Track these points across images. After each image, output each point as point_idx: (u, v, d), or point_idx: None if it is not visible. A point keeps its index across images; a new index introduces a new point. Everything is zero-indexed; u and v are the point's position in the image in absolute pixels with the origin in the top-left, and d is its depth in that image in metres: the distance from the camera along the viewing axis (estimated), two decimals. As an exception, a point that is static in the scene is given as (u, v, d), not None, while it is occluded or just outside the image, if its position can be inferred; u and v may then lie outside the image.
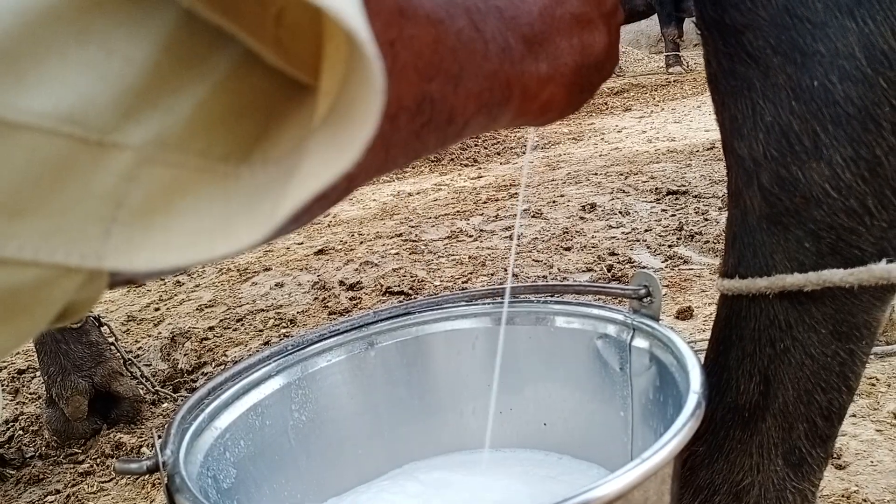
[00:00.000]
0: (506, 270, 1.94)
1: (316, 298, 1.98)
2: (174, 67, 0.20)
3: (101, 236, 0.20)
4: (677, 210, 2.32)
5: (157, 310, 2.11)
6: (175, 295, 2.22)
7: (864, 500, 0.90)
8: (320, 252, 2.42)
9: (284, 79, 0.23)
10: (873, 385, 1.16)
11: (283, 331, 1.79)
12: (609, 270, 1.85)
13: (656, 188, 2.60)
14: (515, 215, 2.51)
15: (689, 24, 6.86)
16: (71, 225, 0.19)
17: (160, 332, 1.89)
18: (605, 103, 5.58)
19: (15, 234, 0.19)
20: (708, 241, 1.97)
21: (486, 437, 0.69)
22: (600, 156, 3.50)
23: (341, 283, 2.05)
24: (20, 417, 1.53)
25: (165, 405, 1.50)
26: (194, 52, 0.21)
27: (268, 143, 0.23)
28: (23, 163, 0.18)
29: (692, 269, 1.81)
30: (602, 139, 4.04)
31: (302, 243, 2.62)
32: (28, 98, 0.18)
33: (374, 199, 3.23)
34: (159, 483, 1.22)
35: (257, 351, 0.67)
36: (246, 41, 0.22)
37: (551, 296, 0.75)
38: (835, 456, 0.99)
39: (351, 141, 0.20)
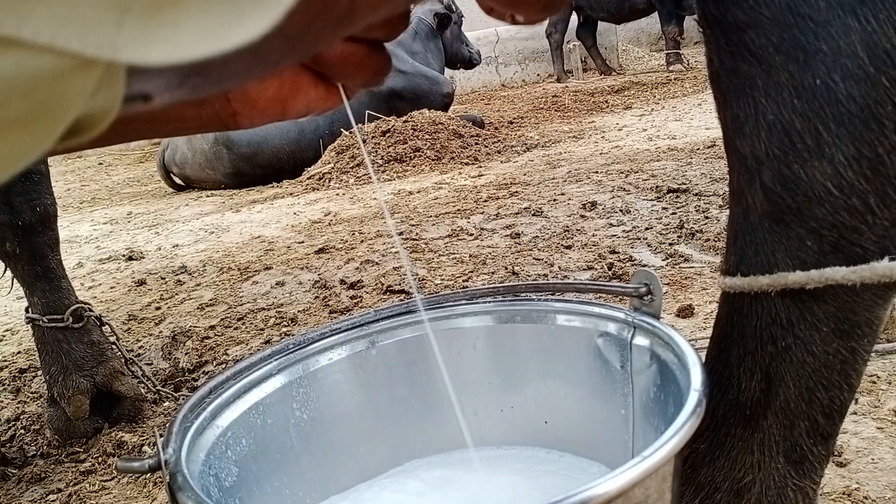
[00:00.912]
0: (506, 269, 1.95)
1: (317, 297, 1.98)
2: None
3: (114, 26, 0.19)
4: (678, 208, 2.32)
5: (158, 309, 2.11)
6: (176, 294, 2.22)
7: (866, 498, 0.90)
8: (321, 251, 2.42)
9: None
10: (874, 383, 1.16)
11: (284, 329, 1.79)
12: (610, 269, 1.85)
13: (657, 186, 2.60)
14: (517, 214, 2.51)
15: (689, 22, 6.86)
16: (85, 11, 0.19)
17: (161, 332, 1.89)
18: (606, 101, 5.58)
19: (30, 14, 0.18)
20: (709, 240, 1.97)
21: (467, 436, 0.69)
22: (601, 154, 3.50)
23: (342, 281, 2.05)
24: (22, 416, 1.53)
25: (167, 404, 1.50)
26: None
27: None
28: None
29: (693, 267, 1.81)
30: (603, 137, 4.04)
31: (303, 242, 2.62)
32: None
33: (375, 198, 3.23)
34: (161, 482, 1.22)
35: (258, 350, 0.67)
36: None
37: (552, 294, 0.75)
38: (836, 453, 0.99)
39: None
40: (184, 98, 0.25)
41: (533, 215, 2.46)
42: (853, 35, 0.43)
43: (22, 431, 1.48)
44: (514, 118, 5.23)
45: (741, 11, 0.46)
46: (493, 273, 1.95)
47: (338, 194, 3.50)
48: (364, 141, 3.96)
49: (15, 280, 1.42)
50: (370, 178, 3.68)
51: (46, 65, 0.19)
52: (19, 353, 1.91)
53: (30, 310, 1.41)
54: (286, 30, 0.23)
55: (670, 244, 1.99)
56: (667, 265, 1.84)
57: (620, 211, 2.37)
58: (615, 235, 2.13)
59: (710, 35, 0.50)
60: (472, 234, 2.35)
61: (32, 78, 0.19)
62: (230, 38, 0.21)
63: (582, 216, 2.38)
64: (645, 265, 1.86)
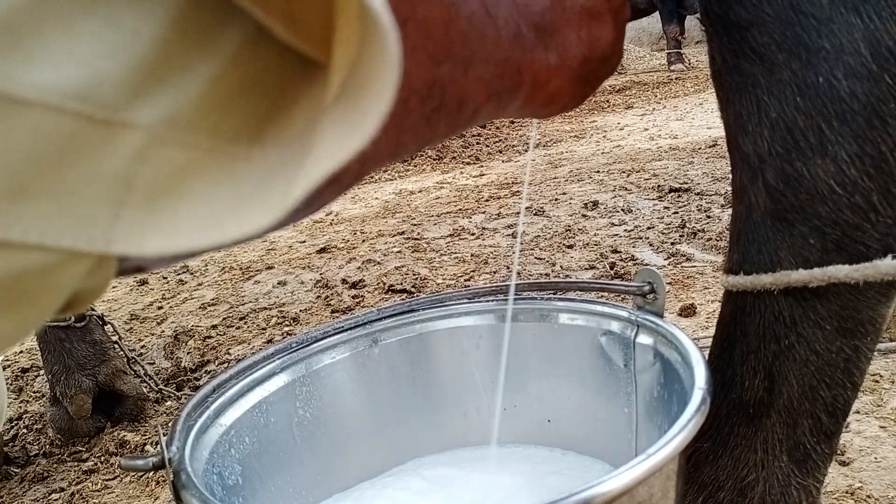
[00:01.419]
0: (508, 268, 1.94)
1: (319, 297, 1.98)
2: (183, 43, 0.20)
3: (109, 219, 0.19)
4: (680, 207, 2.32)
5: (160, 308, 2.11)
6: (178, 293, 2.22)
7: (868, 497, 0.90)
8: (323, 250, 2.42)
9: (296, 56, 0.22)
10: (877, 382, 1.16)
11: (286, 329, 1.79)
12: (612, 268, 1.85)
13: (659, 186, 2.60)
14: (518, 213, 2.51)
15: (690, 21, 6.85)
16: (78, 208, 0.19)
17: (163, 331, 1.89)
18: (607, 101, 5.58)
19: (19, 216, 0.18)
20: (711, 239, 1.97)
21: (494, 434, 0.69)
22: (602, 153, 3.50)
23: (344, 281, 2.05)
24: (24, 416, 1.54)
25: (169, 403, 1.51)
26: (203, 27, 0.20)
27: (279, 123, 0.22)
28: (27, 141, 0.17)
29: (695, 266, 1.81)
30: (604, 137, 4.03)
31: (304, 241, 2.62)
32: (32, 72, 0.17)
33: (377, 198, 3.23)
34: (163, 480, 1.23)
35: (261, 349, 0.67)
36: (255, 14, 0.21)
37: (555, 293, 0.75)
38: (839, 452, 0.99)
39: (365, 117, 0.20)
40: (179, 262, 0.25)
41: (535, 214, 2.46)
42: (856, 32, 0.43)
43: (24, 430, 1.48)
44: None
45: (743, 9, 0.46)
46: (494, 272, 1.95)
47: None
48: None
49: (17, 280, 1.42)
50: (372, 176, 3.68)
51: (35, 261, 0.19)
52: (21, 352, 1.92)
53: (32, 309, 1.41)
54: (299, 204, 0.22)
55: (672, 243, 1.99)
56: (669, 264, 1.84)
57: (622, 210, 2.37)
58: (617, 235, 2.13)
59: (713, 33, 0.50)
60: (473, 234, 2.35)
61: (21, 273, 0.19)
62: (231, 231, 0.20)
63: (584, 215, 2.38)
64: (647, 264, 1.86)
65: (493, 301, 0.74)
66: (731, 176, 0.54)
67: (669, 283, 1.69)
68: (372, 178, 3.70)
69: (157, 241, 0.20)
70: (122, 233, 0.19)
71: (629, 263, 1.87)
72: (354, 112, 0.20)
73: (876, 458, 0.98)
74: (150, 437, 1.37)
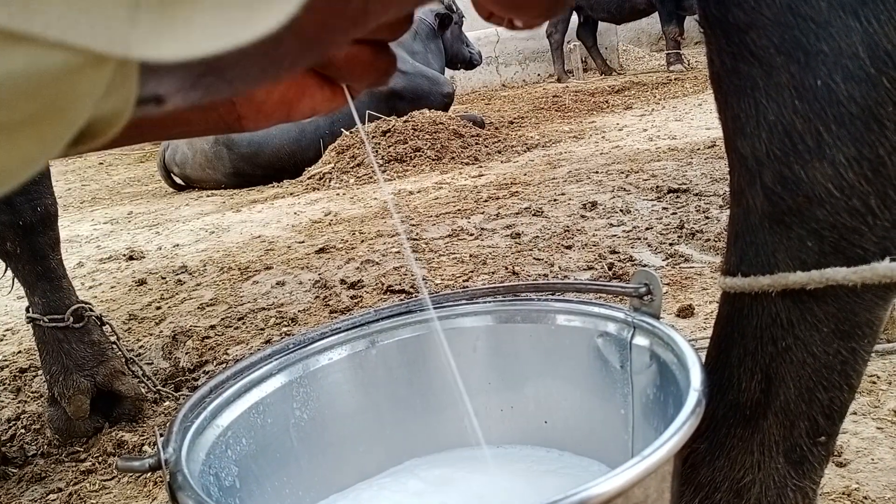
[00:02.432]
0: (507, 269, 1.95)
1: (317, 297, 1.98)
2: None
3: (126, 21, 0.19)
4: (678, 208, 2.32)
5: (158, 308, 2.11)
6: (176, 294, 2.22)
7: (865, 498, 0.90)
8: (321, 251, 2.42)
9: None
10: (874, 383, 1.16)
11: (285, 329, 1.79)
12: (610, 269, 1.85)
13: (657, 186, 2.60)
14: (517, 214, 2.51)
15: (689, 23, 6.86)
16: (97, 6, 0.18)
17: (161, 331, 1.89)
18: (606, 101, 5.58)
19: (41, 8, 0.18)
20: (709, 240, 1.97)
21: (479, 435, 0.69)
22: (601, 154, 3.50)
23: (342, 281, 2.05)
24: (22, 416, 1.53)
25: (167, 404, 1.50)
26: None
27: None
28: None
29: (693, 267, 1.81)
30: (603, 137, 4.04)
31: (303, 242, 2.62)
32: None
33: (375, 198, 3.23)
34: (161, 481, 1.22)
35: (259, 349, 0.67)
36: None
37: (552, 294, 0.75)
38: (835, 454, 0.99)
39: None
40: (196, 101, 0.25)
41: (533, 215, 2.46)
42: (854, 36, 0.43)
43: (22, 431, 1.48)
44: (515, 118, 5.23)
45: (742, 12, 0.46)
46: (493, 273, 1.95)
47: (338, 194, 3.51)
48: (362, 142, 3.96)
49: (15, 280, 1.42)
50: (371, 177, 3.69)
51: (57, 61, 0.18)
52: (20, 352, 1.91)
53: (30, 309, 1.41)
54: (300, 30, 0.23)
55: (670, 244, 1.99)
56: (667, 265, 1.84)
57: (621, 211, 2.37)
58: (615, 235, 2.13)
59: (711, 36, 0.50)
60: (472, 234, 2.35)
61: (42, 75, 0.18)
62: (244, 33, 0.21)
63: (582, 216, 2.38)
64: (645, 265, 1.86)
65: (490, 302, 0.74)
66: (729, 177, 0.54)
67: (667, 284, 1.70)
68: (370, 178, 3.70)
69: (174, 45, 0.20)
70: (140, 36, 0.19)
71: (627, 264, 1.87)
72: None
73: (873, 460, 0.98)
74: (148, 438, 1.37)
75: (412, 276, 2.00)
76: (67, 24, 0.18)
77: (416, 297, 0.69)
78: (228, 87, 0.26)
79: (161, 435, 0.53)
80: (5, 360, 1.87)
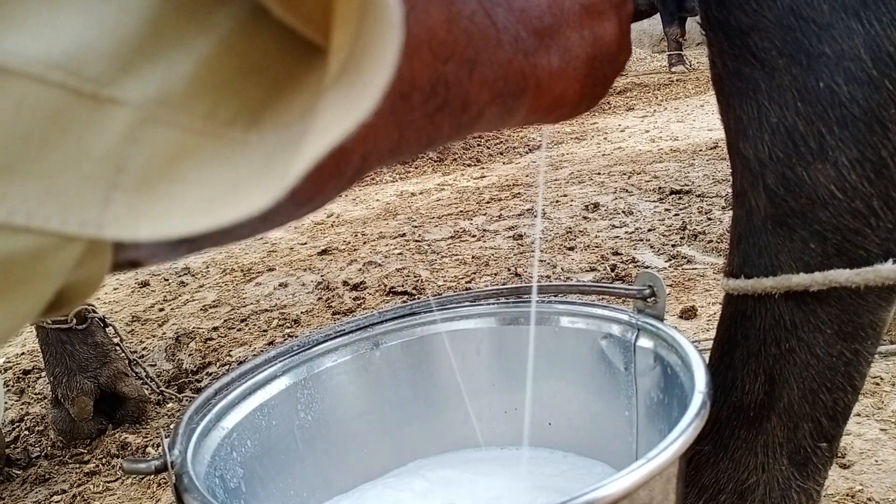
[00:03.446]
0: (509, 270, 1.95)
1: (320, 298, 1.98)
2: (175, 19, 0.19)
3: (100, 203, 0.18)
4: (681, 209, 2.32)
5: (161, 310, 2.11)
6: (179, 295, 2.22)
7: (869, 499, 0.90)
8: (324, 252, 2.42)
9: (294, 40, 0.22)
10: (877, 384, 1.16)
11: (288, 331, 1.79)
12: (613, 270, 1.85)
13: (659, 188, 2.60)
14: (519, 215, 2.51)
15: (691, 23, 6.85)
16: (67, 189, 0.18)
17: (165, 333, 1.89)
18: (608, 103, 5.58)
19: (4, 195, 0.17)
20: (711, 241, 1.97)
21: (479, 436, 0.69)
22: (603, 155, 3.50)
23: (345, 283, 2.05)
24: (26, 418, 1.54)
25: (170, 405, 1.51)
26: (198, 3, 0.20)
27: (277, 107, 0.21)
28: (10, 113, 0.17)
29: (696, 268, 1.81)
30: (605, 139, 4.04)
31: (305, 243, 2.62)
32: (13, 39, 0.16)
33: (378, 200, 3.23)
34: (165, 483, 1.23)
35: (262, 351, 0.67)
36: None
37: (555, 296, 0.75)
38: (839, 455, 0.99)
39: (366, 89, 0.19)
40: (176, 258, 0.24)
41: (535, 217, 2.46)
42: (856, 38, 0.43)
43: (26, 432, 1.49)
44: (517, 119, 5.22)
45: (744, 14, 0.47)
46: (495, 275, 1.95)
47: (340, 195, 3.50)
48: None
49: (19, 281, 1.42)
50: (373, 179, 3.69)
51: (22, 244, 0.18)
52: (23, 354, 1.92)
53: (34, 311, 1.41)
54: (294, 196, 0.22)
55: (673, 246, 1.99)
56: (670, 266, 1.84)
57: (623, 212, 2.37)
58: (618, 237, 2.13)
59: (713, 38, 0.50)
60: (474, 236, 2.35)
61: (7, 258, 0.18)
62: (228, 214, 0.20)
63: (584, 217, 2.38)
64: (648, 267, 1.86)
65: (494, 304, 0.75)
66: (731, 179, 0.54)
67: (670, 286, 1.70)
68: (373, 179, 3.71)
69: (151, 225, 0.19)
70: (114, 217, 0.19)
71: (630, 265, 1.87)
72: (354, 86, 0.20)
73: (876, 461, 0.98)
74: (151, 439, 1.37)
75: (415, 277, 2.00)
76: (33, 209, 0.18)
77: (419, 298, 0.69)
78: (212, 245, 0.25)
79: (167, 437, 0.54)
80: (9, 362, 1.87)
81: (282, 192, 0.20)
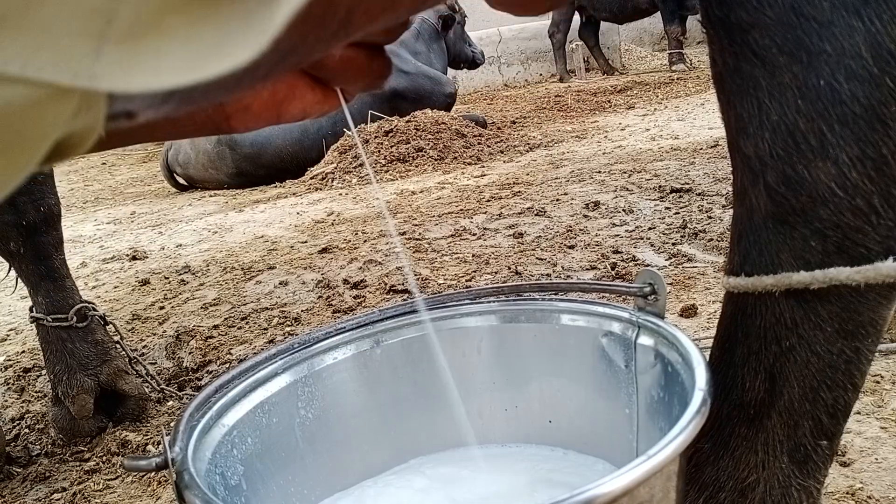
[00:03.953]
0: (510, 268, 1.95)
1: (320, 297, 1.98)
2: None
3: (92, 54, 0.19)
4: (681, 208, 2.32)
5: (161, 308, 2.11)
6: (180, 293, 2.22)
7: (869, 498, 0.90)
8: (324, 251, 2.43)
9: None
10: (878, 383, 1.16)
11: (288, 329, 1.79)
12: (613, 268, 1.85)
13: (660, 186, 2.60)
14: (520, 213, 2.51)
15: (692, 22, 6.85)
16: (59, 40, 0.18)
17: (165, 331, 1.90)
18: (609, 101, 5.58)
19: (0, 44, 0.17)
20: (712, 239, 1.97)
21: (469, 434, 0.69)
22: (604, 154, 3.50)
23: (345, 281, 2.06)
24: (26, 416, 1.54)
25: (171, 403, 1.51)
26: None
27: None
28: None
29: (696, 267, 1.81)
30: (605, 137, 4.03)
31: (306, 242, 2.62)
32: None
33: (378, 198, 3.23)
34: (165, 480, 1.23)
35: (263, 349, 0.67)
36: None
37: (556, 294, 0.75)
38: (839, 453, 0.99)
39: None
40: (170, 113, 0.25)
41: (536, 215, 2.46)
42: (857, 36, 0.43)
43: (26, 430, 1.49)
44: (517, 118, 5.23)
45: (745, 12, 0.47)
46: (496, 273, 1.95)
47: (341, 194, 3.51)
48: (367, 141, 3.96)
49: (19, 280, 1.43)
50: (372, 179, 3.69)
51: (18, 95, 0.18)
52: (23, 352, 1.92)
53: (34, 309, 1.41)
54: (277, 45, 0.22)
55: (673, 244, 1.99)
56: (670, 265, 1.84)
57: (623, 211, 2.37)
58: (618, 235, 2.13)
59: (714, 36, 0.50)
60: (475, 234, 2.35)
61: (4, 108, 0.18)
62: (216, 65, 0.20)
63: (585, 216, 2.38)
64: (648, 265, 1.86)
65: (494, 302, 0.75)
66: (732, 177, 0.54)
67: (670, 284, 1.70)
68: (371, 180, 3.71)
69: (142, 77, 0.19)
70: (106, 68, 0.19)
71: (630, 264, 1.87)
72: None
73: (877, 459, 0.98)
74: (151, 437, 1.37)
75: (415, 275, 2.00)
76: (27, 59, 0.18)
77: (420, 296, 0.69)
78: (201, 100, 0.25)
79: (167, 434, 0.54)
80: (9, 360, 1.87)
81: (265, 44, 0.20)
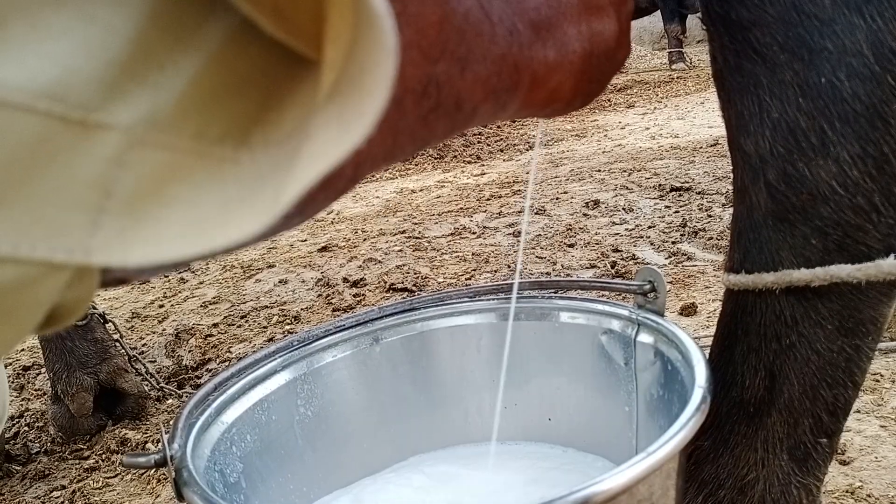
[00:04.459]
0: (509, 267, 1.95)
1: (320, 295, 1.98)
2: (162, 38, 0.18)
3: (88, 228, 0.18)
4: (681, 207, 2.32)
5: (161, 307, 2.11)
6: (179, 292, 2.22)
7: (869, 496, 0.91)
8: (324, 249, 2.42)
9: (284, 53, 0.21)
10: (877, 381, 1.16)
11: (288, 327, 1.79)
12: (613, 267, 1.85)
13: (660, 185, 2.60)
14: (520, 212, 2.51)
15: (692, 20, 6.85)
16: (54, 216, 0.17)
17: (165, 329, 1.89)
18: (609, 100, 5.57)
19: None
20: (712, 238, 1.97)
21: (494, 431, 0.70)
22: (604, 152, 3.50)
23: (345, 279, 2.05)
24: (26, 414, 1.54)
25: (170, 401, 1.51)
26: (184, 21, 0.19)
27: (268, 124, 0.21)
28: None
29: (696, 265, 1.81)
30: (605, 136, 4.03)
31: (305, 240, 2.62)
32: None
33: (378, 196, 3.23)
34: (164, 478, 1.23)
35: (262, 347, 0.67)
36: (241, 7, 0.19)
37: (556, 292, 0.75)
38: (839, 451, 0.99)
39: (360, 115, 0.18)
40: (163, 272, 0.24)
41: (535, 213, 2.46)
42: (859, 33, 0.43)
43: (26, 428, 1.49)
44: (517, 116, 5.22)
45: (745, 9, 0.46)
46: (495, 271, 1.95)
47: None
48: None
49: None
50: (373, 176, 3.68)
51: (10, 275, 0.17)
52: (23, 350, 1.92)
53: (34, 307, 1.41)
54: (289, 210, 0.21)
55: (673, 242, 1.99)
56: (670, 263, 1.84)
57: (623, 209, 2.37)
58: (618, 234, 2.13)
59: (714, 33, 0.50)
60: (474, 233, 2.35)
61: None
62: (218, 239, 0.19)
63: (585, 214, 2.38)
64: (648, 263, 1.86)
65: (494, 300, 0.74)
66: (732, 175, 0.54)
67: (670, 283, 1.70)
68: (373, 176, 3.70)
69: (141, 250, 0.18)
70: (103, 242, 0.18)
71: (630, 262, 1.87)
72: (348, 110, 0.19)
73: (876, 458, 0.98)
74: (151, 436, 1.37)
75: (415, 274, 2.00)
76: (19, 238, 0.17)
77: (418, 294, 0.69)
78: (202, 260, 0.25)
79: (166, 431, 0.54)
80: (8, 358, 1.87)
81: (273, 218, 0.19)
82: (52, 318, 0.21)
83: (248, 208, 0.19)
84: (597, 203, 2.48)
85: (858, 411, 1.09)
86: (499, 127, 4.63)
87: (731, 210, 0.55)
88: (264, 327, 1.82)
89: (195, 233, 0.19)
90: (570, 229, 2.22)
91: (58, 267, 0.18)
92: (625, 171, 2.92)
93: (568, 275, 1.86)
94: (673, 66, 6.79)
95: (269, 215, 0.19)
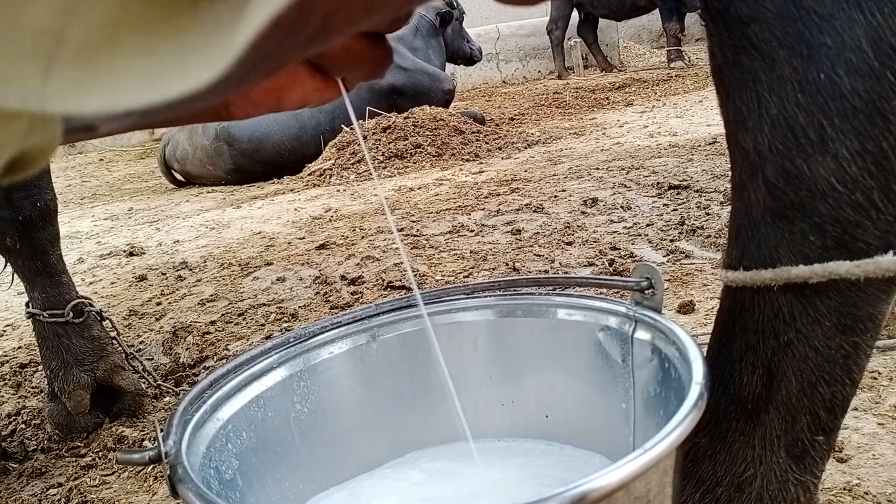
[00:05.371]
0: (507, 265, 1.95)
1: (317, 293, 1.98)
2: None
3: (41, 75, 0.18)
4: (679, 205, 2.32)
5: (158, 304, 2.11)
6: (177, 289, 2.22)
7: (866, 494, 0.90)
8: (322, 247, 2.42)
9: None
10: (875, 379, 1.16)
11: (285, 325, 1.79)
12: (611, 265, 1.85)
13: (658, 183, 2.60)
14: (517, 210, 2.51)
15: (690, 19, 6.85)
16: (4, 64, 0.17)
17: (162, 327, 1.89)
18: (607, 98, 5.57)
19: None
20: (710, 236, 1.97)
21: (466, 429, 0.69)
22: (602, 150, 3.50)
23: (343, 277, 2.05)
24: (23, 411, 1.53)
25: (167, 399, 1.50)
26: None
27: None
28: None
29: (694, 263, 1.81)
30: (603, 134, 4.03)
31: (303, 238, 2.62)
32: None
33: (376, 195, 3.23)
34: (161, 476, 1.22)
35: (259, 344, 0.67)
36: None
37: (553, 289, 0.75)
38: (836, 449, 0.99)
39: None
40: (133, 126, 0.24)
41: (534, 212, 2.46)
42: (858, 29, 0.43)
43: (23, 426, 1.48)
44: (515, 115, 5.22)
45: (745, 5, 0.46)
46: (493, 269, 1.95)
47: (338, 190, 3.50)
48: (364, 137, 3.95)
49: (15, 275, 1.42)
50: (371, 174, 3.68)
51: None
52: (20, 348, 1.91)
53: (30, 305, 1.41)
54: (248, 55, 0.21)
55: (671, 241, 1.99)
56: (668, 261, 1.84)
57: (621, 207, 2.37)
58: (616, 232, 2.13)
59: (713, 29, 0.50)
60: (472, 231, 2.35)
61: None
62: (178, 85, 0.19)
63: (583, 213, 2.38)
64: (646, 261, 1.86)
65: (491, 297, 0.74)
66: (730, 173, 0.54)
67: (668, 280, 1.69)
68: (372, 176, 3.70)
69: (97, 98, 0.18)
70: (56, 90, 0.18)
71: (628, 260, 1.87)
72: None
73: (874, 455, 0.98)
74: (148, 433, 1.37)
75: (413, 272, 2.00)
76: None
77: (417, 291, 0.69)
78: (166, 115, 0.24)
79: (161, 428, 0.53)
80: (5, 356, 1.87)
81: (231, 61, 0.19)
82: (18, 164, 0.21)
83: (204, 55, 0.19)
84: (595, 201, 2.48)
85: (856, 409, 1.09)
86: (497, 125, 4.63)
87: (729, 208, 0.55)
88: (262, 325, 1.81)
89: (152, 81, 0.19)
90: (569, 227, 2.22)
91: (12, 114, 0.18)
92: (623, 170, 2.92)
93: (566, 272, 1.85)
94: (671, 65, 6.79)
95: (223, 62, 0.19)
